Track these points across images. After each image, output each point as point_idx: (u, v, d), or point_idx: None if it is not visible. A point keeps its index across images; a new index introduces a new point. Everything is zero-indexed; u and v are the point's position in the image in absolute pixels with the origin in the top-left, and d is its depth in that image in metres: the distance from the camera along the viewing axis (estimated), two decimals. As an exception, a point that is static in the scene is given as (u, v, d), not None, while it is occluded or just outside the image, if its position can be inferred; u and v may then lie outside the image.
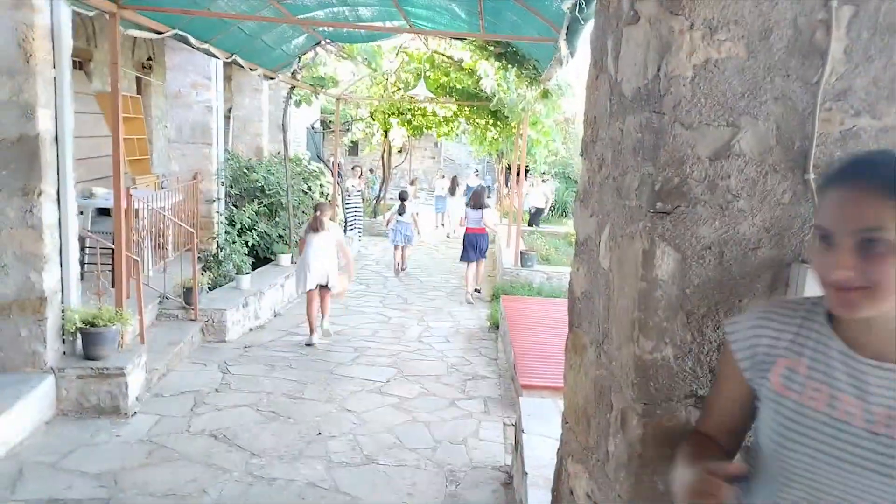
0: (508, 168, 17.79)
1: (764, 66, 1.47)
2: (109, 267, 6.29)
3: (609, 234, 1.90)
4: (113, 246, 5.65)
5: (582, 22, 4.39)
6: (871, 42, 1.43)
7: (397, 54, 14.32)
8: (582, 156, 2.33)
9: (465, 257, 10.47)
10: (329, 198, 12.84)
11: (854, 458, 1.13)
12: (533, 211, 17.07)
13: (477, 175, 22.31)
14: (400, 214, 12.06)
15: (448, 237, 17.72)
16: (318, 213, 7.67)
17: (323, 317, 7.82)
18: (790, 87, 1.47)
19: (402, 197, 12.57)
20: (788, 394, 1.23)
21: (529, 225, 15.99)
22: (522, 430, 4.01)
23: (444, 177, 21.61)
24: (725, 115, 1.49)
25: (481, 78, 11.53)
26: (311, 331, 7.48)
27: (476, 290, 10.66)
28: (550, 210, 19.01)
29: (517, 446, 4.19)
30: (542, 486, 3.26)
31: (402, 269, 12.43)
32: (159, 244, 7.66)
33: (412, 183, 18.37)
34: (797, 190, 1.51)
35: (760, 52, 1.46)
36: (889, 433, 1.11)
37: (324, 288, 7.56)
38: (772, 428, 1.25)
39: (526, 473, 3.51)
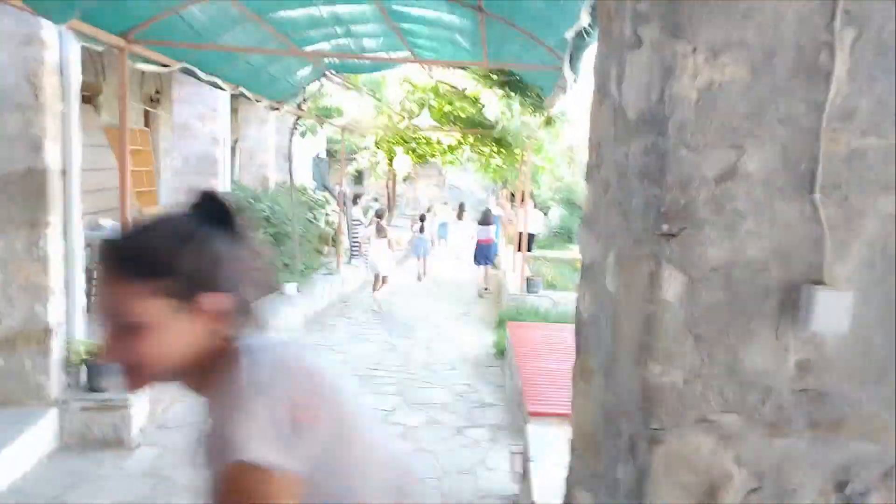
0: (513, 195, 17.84)
1: (768, 88, 1.47)
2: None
3: (615, 258, 1.88)
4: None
5: (586, 46, 4.43)
6: (876, 63, 1.43)
7: (401, 84, 14.47)
8: (586, 180, 2.33)
9: (476, 262, 13.67)
10: (334, 227, 12.88)
11: None
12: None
13: (498, 203, 22.54)
14: (420, 232, 14.83)
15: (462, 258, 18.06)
16: (379, 218, 11.67)
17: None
18: (795, 109, 1.47)
19: (422, 218, 15.46)
20: None
21: (528, 250, 16.06)
22: (530, 459, 3.95)
23: (446, 203, 21.84)
24: (731, 137, 1.49)
25: (485, 106, 11.62)
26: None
27: (486, 289, 13.37)
28: (554, 235, 19.02)
29: (525, 475, 4.13)
30: (550, 516, 3.20)
31: (424, 276, 14.86)
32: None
33: (429, 210, 18.94)
34: (804, 211, 1.50)
35: (764, 74, 1.46)
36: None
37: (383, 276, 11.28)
38: None
39: (533, 503, 3.45)
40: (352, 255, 13.90)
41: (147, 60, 5.79)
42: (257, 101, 8.80)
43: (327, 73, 9.75)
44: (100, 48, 5.37)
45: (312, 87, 10.23)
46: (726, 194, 1.50)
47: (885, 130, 1.46)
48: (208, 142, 9.13)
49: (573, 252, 15.70)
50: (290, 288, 9.46)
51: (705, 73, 1.48)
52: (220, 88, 7.41)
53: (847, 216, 1.49)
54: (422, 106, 13.88)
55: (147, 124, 11.54)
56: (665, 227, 1.53)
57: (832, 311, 1.43)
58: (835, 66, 1.43)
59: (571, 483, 2.40)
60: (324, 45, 7.96)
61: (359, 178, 26.75)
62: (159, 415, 5.61)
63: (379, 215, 12.08)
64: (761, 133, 1.48)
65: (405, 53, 8.32)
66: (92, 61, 9.15)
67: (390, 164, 18.27)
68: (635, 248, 1.69)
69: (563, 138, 12.89)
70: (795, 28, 1.44)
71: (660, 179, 1.53)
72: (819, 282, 1.48)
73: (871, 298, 1.55)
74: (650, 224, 1.57)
